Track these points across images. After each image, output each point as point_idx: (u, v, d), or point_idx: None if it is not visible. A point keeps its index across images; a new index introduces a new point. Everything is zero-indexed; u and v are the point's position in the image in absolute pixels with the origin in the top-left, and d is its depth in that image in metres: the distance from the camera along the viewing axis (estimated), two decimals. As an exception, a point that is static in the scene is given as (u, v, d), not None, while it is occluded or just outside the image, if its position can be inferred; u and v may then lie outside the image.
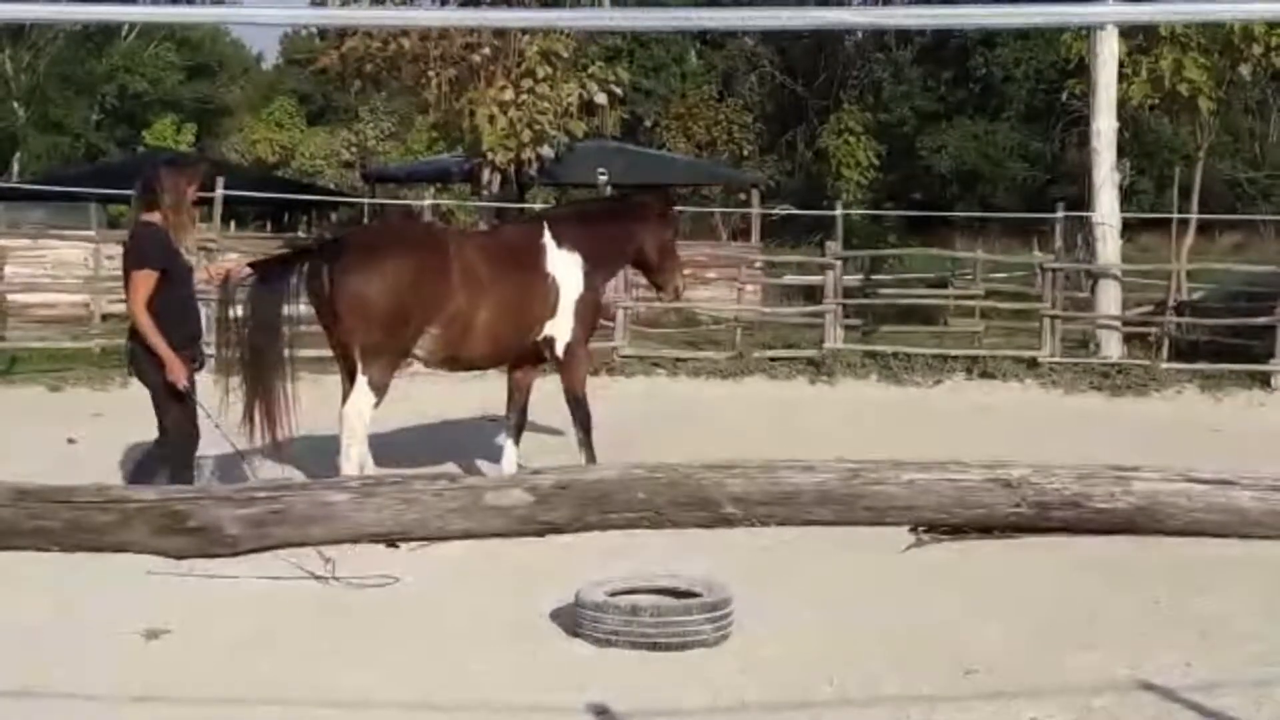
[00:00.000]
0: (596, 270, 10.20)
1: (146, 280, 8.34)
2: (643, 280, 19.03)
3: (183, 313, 8.56)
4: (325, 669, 6.08)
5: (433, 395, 14.12)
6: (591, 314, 10.32)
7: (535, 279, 9.90)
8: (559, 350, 10.03)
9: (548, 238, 10.04)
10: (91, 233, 21.87)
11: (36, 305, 20.34)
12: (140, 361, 8.55)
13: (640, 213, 10.62)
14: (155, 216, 8.53)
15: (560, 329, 10.00)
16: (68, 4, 4.25)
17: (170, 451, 8.56)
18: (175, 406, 8.49)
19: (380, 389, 9.31)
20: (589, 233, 10.18)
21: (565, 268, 10.00)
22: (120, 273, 8.93)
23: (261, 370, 9.17)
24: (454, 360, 10.14)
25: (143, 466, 8.69)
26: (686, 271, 11.86)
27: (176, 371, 8.36)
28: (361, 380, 9.26)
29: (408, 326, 9.34)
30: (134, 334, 8.60)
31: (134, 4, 4.13)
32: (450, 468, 10.67)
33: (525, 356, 10.22)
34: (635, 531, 8.35)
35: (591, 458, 9.97)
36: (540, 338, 9.98)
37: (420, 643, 6.52)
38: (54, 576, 7.44)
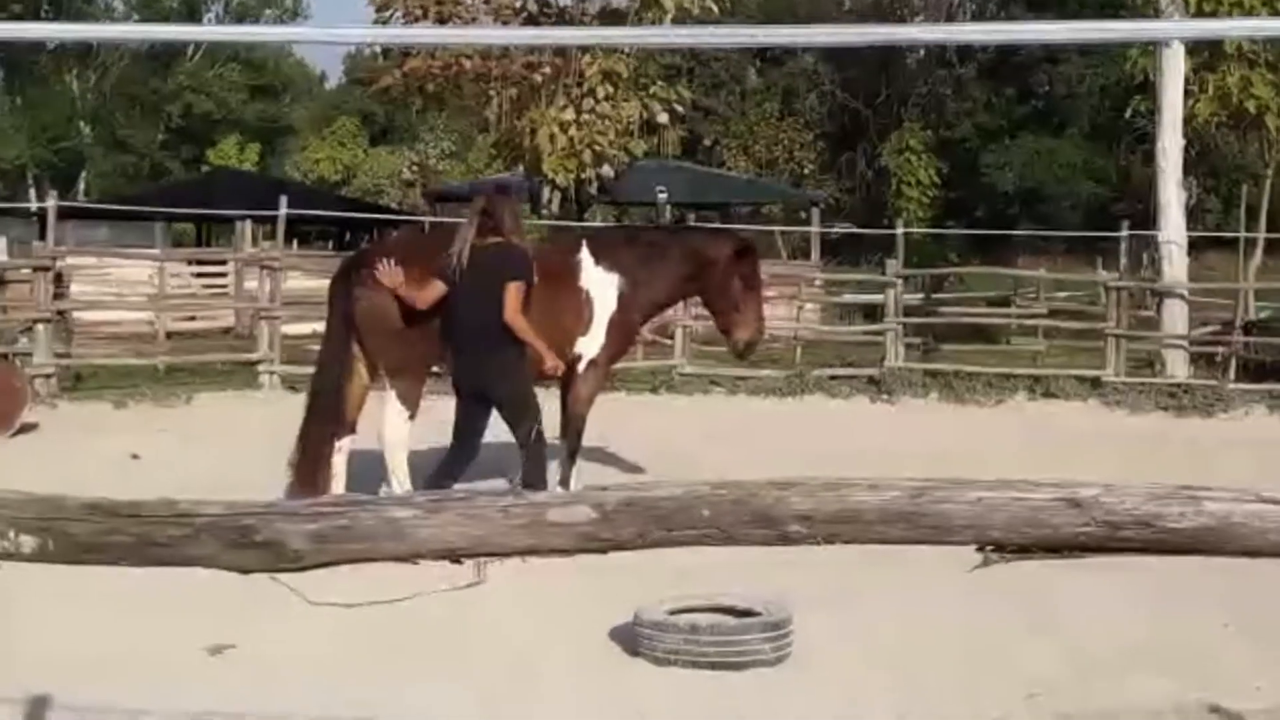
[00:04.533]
0: (638, 294, 9.90)
1: (521, 292, 8.81)
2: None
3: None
4: (387, 686, 6.10)
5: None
6: (622, 337, 10.06)
7: (567, 295, 9.67)
8: (581, 366, 9.78)
9: (585, 254, 9.84)
10: (157, 251, 22.14)
11: (102, 323, 20.58)
12: (489, 374, 8.87)
13: (707, 254, 10.09)
14: (499, 239, 8.97)
15: (590, 347, 9.77)
16: (136, 25, 4.28)
17: (531, 456, 8.89)
18: (529, 414, 8.88)
19: (410, 402, 9.25)
20: (634, 257, 9.93)
21: (601, 286, 9.75)
22: (477, 287, 8.89)
23: None
24: None
25: (529, 472, 8.85)
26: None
27: (553, 360, 9.02)
28: (391, 396, 9.27)
29: (425, 342, 9.21)
30: (484, 347, 8.82)
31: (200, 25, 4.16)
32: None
33: (565, 375, 9.86)
34: (698, 549, 8.30)
35: (566, 481, 9.63)
36: (572, 355, 9.72)
37: (481, 661, 6.52)
38: (119, 591, 7.48)
